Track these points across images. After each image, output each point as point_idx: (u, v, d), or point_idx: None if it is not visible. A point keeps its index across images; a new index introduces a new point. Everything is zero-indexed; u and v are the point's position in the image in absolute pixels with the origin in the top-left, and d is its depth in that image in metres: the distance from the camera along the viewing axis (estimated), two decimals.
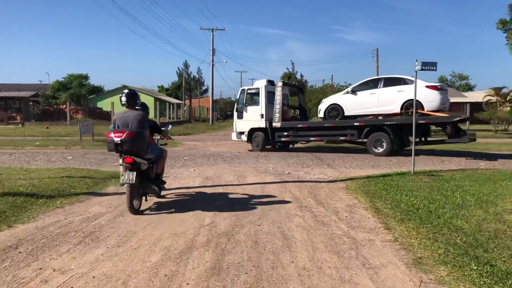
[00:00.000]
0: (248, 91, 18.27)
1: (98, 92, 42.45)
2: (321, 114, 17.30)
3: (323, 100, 17.99)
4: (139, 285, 3.84)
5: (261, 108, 17.48)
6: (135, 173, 6.32)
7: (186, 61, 79.12)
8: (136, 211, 6.51)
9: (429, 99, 14.63)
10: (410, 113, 14.00)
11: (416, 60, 10.24)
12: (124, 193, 6.58)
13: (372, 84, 16.17)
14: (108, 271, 4.16)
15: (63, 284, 3.84)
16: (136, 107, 6.96)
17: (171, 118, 49.49)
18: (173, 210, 6.82)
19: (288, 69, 73.54)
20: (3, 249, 4.85)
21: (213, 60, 44.33)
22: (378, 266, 4.41)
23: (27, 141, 20.55)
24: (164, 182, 7.67)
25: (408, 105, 14.50)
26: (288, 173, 11.02)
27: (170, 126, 8.77)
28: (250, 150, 17.63)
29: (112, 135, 6.39)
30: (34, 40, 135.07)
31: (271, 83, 17.99)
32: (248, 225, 5.89)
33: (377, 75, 37.21)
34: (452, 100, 22.20)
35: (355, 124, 15.71)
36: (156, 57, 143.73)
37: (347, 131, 15.92)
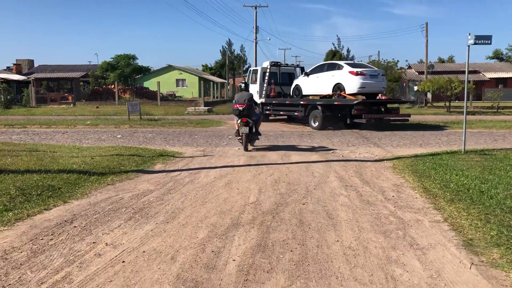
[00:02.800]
0: (253, 72, 21.91)
1: (145, 72, 43.34)
2: (291, 92, 20.15)
3: (294, 81, 20.29)
4: (187, 260, 3.95)
5: (258, 86, 20.77)
6: (247, 127, 11.11)
7: (229, 39, 79.07)
8: (246, 150, 11.09)
9: (349, 83, 16.57)
10: (337, 95, 16.90)
11: (469, 34, 9.75)
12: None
13: (319, 68, 18.59)
14: (158, 246, 4.30)
15: (115, 258, 4.01)
16: (247, 90, 11.88)
17: (215, 97, 49.88)
18: (222, 185, 6.93)
19: (334, 44, 72.19)
20: (60, 223, 5.11)
21: (256, 38, 43.98)
22: (427, 247, 4.31)
23: (79, 120, 21.38)
24: (260, 134, 12.15)
25: (336, 88, 17.07)
26: (333, 152, 10.91)
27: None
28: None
29: (237, 106, 11.29)
30: (83, 22, 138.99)
31: (274, 64, 20.82)
32: (293, 204, 5.90)
33: (426, 51, 35.86)
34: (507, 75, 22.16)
35: (301, 102, 18.31)
36: (201, 36, 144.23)
37: (298, 108, 18.48)
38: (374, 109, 16.95)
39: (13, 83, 40.30)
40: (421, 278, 3.64)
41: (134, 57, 39.62)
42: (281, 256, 4.06)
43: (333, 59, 67.54)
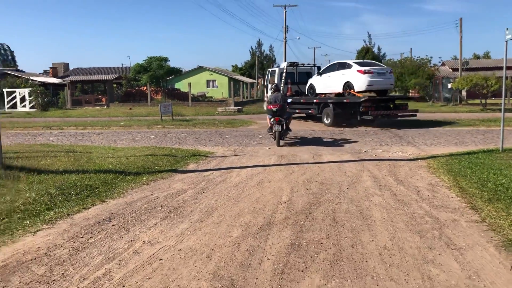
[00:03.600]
0: (271, 72, 22.93)
1: (176, 73, 43.93)
2: (305, 92, 20.82)
3: (309, 80, 20.77)
4: (222, 258, 4.01)
5: None
6: (280, 126, 12.26)
7: (259, 39, 79.06)
8: (279, 145, 12.18)
9: (357, 81, 17.00)
10: (346, 93, 17.45)
11: (507, 29, 9.46)
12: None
13: (331, 68, 19.20)
14: (193, 245, 4.38)
15: (152, 256, 4.11)
16: (279, 91, 13.18)
17: (245, 97, 50.08)
18: (253, 185, 6.98)
19: (365, 41, 71.24)
20: (98, 222, 5.27)
21: (285, 37, 43.98)
22: (464, 248, 4.24)
23: (113, 121, 21.87)
24: (290, 130, 13.39)
25: (346, 86, 17.55)
26: (365, 152, 10.80)
27: (290, 99, 14.76)
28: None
29: (271, 107, 12.50)
30: (116, 25, 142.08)
31: (291, 64, 21.55)
32: (326, 204, 5.89)
33: (461, 47, 34.96)
34: None
35: (314, 101, 18.99)
36: (231, 37, 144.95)
37: (312, 106, 19.12)
38: (382, 105, 17.44)
39: (50, 86, 41.59)
40: (459, 278, 3.58)
41: (166, 59, 40.21)
42: (316, 255, 4.07)
43: (366, 56, 66.83)
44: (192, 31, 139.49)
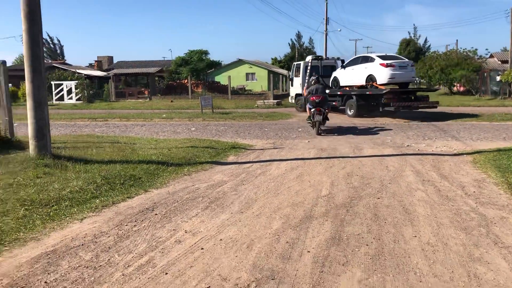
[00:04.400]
0: (296, 66, 23.34)
1: (216, 66, 44.36)
2: (330, 84, 21.18)
3: (333, 73, 21.34)
4: (263, 249, 4.03)
5: (301, 78, 22.01)
6: (321, 116, 13.15)
7: (299, 31, 78.64)
8: (319, 134, 13.03)
9: (380, 74, 17.53)
10: (369, 86, 18.08)
11: None
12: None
13: (354, 61, 19.71)
14: (234, 235, 4.43)
15: (194, 245, 4.19)
16: (319, 82, 13.99)
17: (284, 90, 49.87)
18: (291, 178, 6.97)
19: (409, 33, 69.45)
20: (142, 211, 5.41)
21: (326, 29, 43.40)
22: None
23: (155, 114, 22.34)
24: (328, 119, 14.09)
25: (369, 79, 18.13)
26: (407, 146, 10.55)
27: (328, 91, 16.04)
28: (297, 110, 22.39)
29: (313, 98, 13.23)
30: (158, 19, 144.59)
31: (315, 58, 22.22)
32: (367, 198, 5.81)
33: (511, 39, 33.37)
34: None
35: (338, 93, 19.78)
36: (270, 29, 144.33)
37: (336, 98, 19.81)
38: (403, 97, 17.94)
39: (95, 79, 42.91)
40: (508, 278, 3.45)
41: (206, 52, 40.71)
42: (357, 249, 4.03)
43: (407, 48, 65.13)
44: (232, 24, 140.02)
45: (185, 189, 6.49)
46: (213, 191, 6.35)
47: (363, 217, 4.97)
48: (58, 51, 71.61)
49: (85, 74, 41.26)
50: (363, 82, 18.44)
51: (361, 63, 18.95)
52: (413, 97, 18.25)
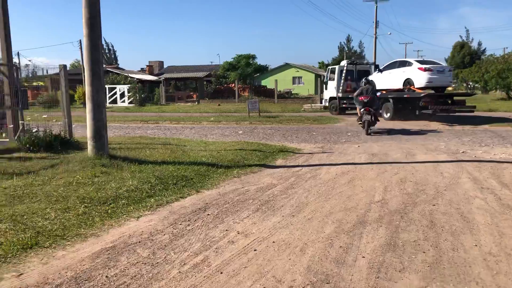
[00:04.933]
0: (331, 70, 24.05)
1: (263, 70, 44.62)
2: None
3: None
4: (316, 253, 4.00)
5: (336, 82, 22.88)
6: (369, 115, 13.83)
7: (349, 35, 77.83)
8: (368, 134, 13.68)
9: (418, 78, 17.99)
10: (406, 89, 18.49)
11: None
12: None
13: (391, 65, 20.26)
14: (286, 238, 4.42)
15: (247, 246, 4.22)
16: (370, 84, 14.71)
17: None
18: (344, 183, 6.89)
19: (461, 37, 67.12)
20: (195, 211, 5.51)
21: (376, 32, 42.67)
22: None
23: (203, 117, 22.74)
24: (378, 120, 14.59)
25: (406, 83, 18.57)
26: (463, 152, 10.15)
27: (379, 93, 16.62)
28: (330, 112, 23.58)
29: (362, 98, 14.05)
30: (207, 24, 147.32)
31: (351, 62, 23.08)
32: (422, 204, 5.64)
33: None
34: None
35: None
36: (318, 33, 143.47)
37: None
38: (441, 101, 18.17)
39: (146, 83, 44.28)
40: None
41: (253, 57, 41.02)
42: (413, 256, 3.92)
43: (461, 52, 62.90)
44: (280, 28, 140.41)
45: (235, 191, 6.55)
46: (263, 193, 6.38)
47: (418, 224, 4.83)
48: (112, 56, 74.41)
49: (137, 78, 42.63)
50: (400, 86, 18.89)
51: (398, 67, 19.46)
52: (450, 101, 18.57)
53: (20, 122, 10.43)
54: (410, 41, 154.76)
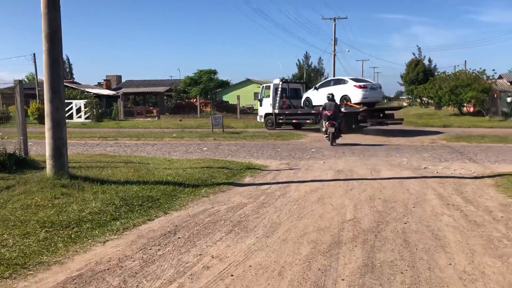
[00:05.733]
0: (265, 87, 25.26)
1: (225, 86, 44.62)
2: (301, 104, 23.68)
3: (304, 94, 24.23)
4: (295, 277, 3.90)
5: (271, 99, 24.14)
6: (334, 128, 15.10)
7: (307, 52, 79.11)
8: (332, 145, 15.12)
9: (354, 95, 20.20)
10: (343, 105, 19.88)
11: None
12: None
13: (327, 83, 22.57)
14: (263, 261, 4.30)
15: (223, 271, 4.06)
16: (333, 100, 16.22)
17: None
18: (315, 201, 6.85)
19: (414, 54, 69.71)
20: (164, 234, 5.30)
21: (334, 50, 43.72)
22: None
23: (165, 133, 22.36)
24: (341, 135, 16.04)
25: (343, 99, 20.41)
26: (425, 168, 10.40)
27: (344, 108, 18.34)
28: (267, 128, 24.36)
29: (326, 112, 15.38)
30: (166, 39, 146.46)
31: (283, 81, 24.36)
32: (393, 222, 5.67)
33: None
34: None
35: (312, 111, 21.66)
36: (278, 50, 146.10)
37: (310, 117, 22.09)
38: (375, 115, 20.70)
39: (104, 98, 43.21)
40: None
41: (215, 72, 40.99)
42: (392, 278, 3.89)
43: (416, 69, 65.31)
44: (240, 44, 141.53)
45: (205, 212, 6.37)
46: (234, 214, 6.23)
47: (393, 243, 4.83)
48: (67, 70, 72.38)
49: (94, 93, 41.62)
50: (337, 102, 20.34)
51: (334, 85, 21.53)
52: (381, 115, 20.93)
53: None
54: (367, 58, 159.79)
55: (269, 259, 4.36)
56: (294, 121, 23.70)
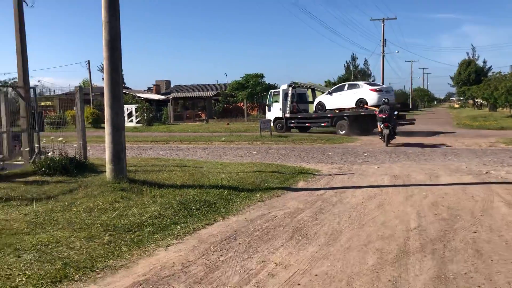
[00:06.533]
0: (274, 93, 26.33)
1: (272, 89, 44.62)
2: (313, 108, 24.81)
3: (316, 98, 25.47)
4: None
5: (280, 104, 24.86)
6: (388, 130, 15.99)
7: (353, 54, 77.80)
8: (387, 145, 15.93)
9: (370, 98, 21.36)
10: (359, 108, 21.64)
11: None
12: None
13: (340, 88, 23.75)
14: (328, 270, 4.18)
15: (289, 279, 3.98)
16: (388, 104, 17.03)
17: None
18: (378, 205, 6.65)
19: (468, 54, 67.20)
20: (224, 239, 5.28)
21: (383, 51, 42.77)
22: None
23: (214, 137, 22.59)
24: (396, 135, 17.08)
25: (358, 102, 21.77)
26: (486, 173, 9.89)
27: (396, 112, 18.14)
28: (276, 132, 24.10)
29: (381, 115, 16.27)
30: (213, 44, 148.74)
31: (290, 86, 24.82)
32: (462, 231, 5.38)
33: None
34: None
35: (328, 115, 23.00)
36: (325, 52, 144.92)
37: (325, 120, 23.07)
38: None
39: (153, 102, 44.32)
40: None
41: (262, 76, 41.07)
42: None
43: (467, 69, 62.92)
44: (286, 48, 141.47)
45: (262, 217, 6.32)
46: (292, 219, 6.14)
47: (464, 254, 4.58)
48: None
49: (144, 98, 42.74)
50: (353, 105, 22.01)
51: (348, 89, 22.83)
52: (395, 116, 22.04)
53: (36, 145, 10.29)
54: (416, 59, 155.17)
55: (334, 268, 4.24)
56: (307, 124, 24.49)
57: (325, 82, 71.94)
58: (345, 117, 22.12)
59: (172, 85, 58.07)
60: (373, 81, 60.21)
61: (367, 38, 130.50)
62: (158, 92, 52.83)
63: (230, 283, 3.92)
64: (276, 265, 4.36)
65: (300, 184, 8.98)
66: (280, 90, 25.49)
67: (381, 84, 24.89)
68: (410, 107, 43.59)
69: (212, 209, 6.73)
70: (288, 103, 24.39)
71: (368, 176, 9.86)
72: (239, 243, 5.10)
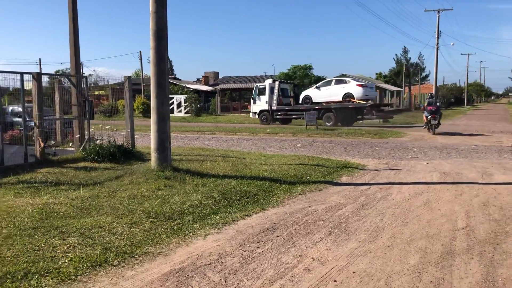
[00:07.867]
0: (260, 87, 27.20)
1: (320, 81, 44.06)
2: (300, 101, 26.79)
3: (302, 92, 27.71)
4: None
5: (266, 97, 26.26)
6: (436, 121, 18.62)
7: (405, 47, 75.26)
8: (434, 134, 18.40)
9: (357, 92, 24.02)
10: (346, 101, 24.01)
11: None
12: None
13: (327, 83, 26.27)
14: (367, 268, 4.04)
15: (325, 275, 3.89)
16: (432, 98, 19.74)
17: (390, 105, 47.90)
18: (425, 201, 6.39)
19: None
20: (262, 231, 5.24)
21: (438, 43, 41.12)
22: None
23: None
24: (440, 124, 19.36)
25: (345, 96, 24.25)
26: None
27: (438, 103, 20.90)
28: (263, 123, 25.95)
29: (431, 107, 18.75)
30: (261, 36, 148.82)
31: (274, 81, 26.99)
32: None
33: None
34: None
35: (316, 107, 24.40)
36: (375, 43, 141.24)
37: (312, 112, 23.29)
38: (377, 109, 25.35)
39: (202, 93, 44.89)
40: None
41: (310, 67, 40.60)
42: None
43: None
44: (336, 38, 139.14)
45: (302, 210, 6.23)
46: (333, 214, 6.01)
47: None
48: (169, 66, 76.40)
49: (193, 89, 43.36)
50: (339, 99, 24.35)
51: (335, 84, 25.36)
52: (377, 110, 24.63)
53: (86, 132, 10.67)
54: (473, 51, 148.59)
55: (374, 266, 4.09)
56: (293, 116, 25.88)
57: (376, 74, 70.26)
58: (332, 110, 24.00)
59: (220, 77, 58.62)
60: (427, 75, 60.37)
61: (420, 29, 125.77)
62: (206, 83, 53.46)
63: (265, 276, 3.88)
64: (313, 260, 4.27)
65: (344, 179, 8.79)
66: (266, 84, 26.92)
67: (365, 79, 27.36)
68: (465, 102, 45.86)
69: (252, 200, 6.71)
70: (275, 97, 25.99)
71: (416, 172, 9.51)
72: (277, 236, 5.04)
